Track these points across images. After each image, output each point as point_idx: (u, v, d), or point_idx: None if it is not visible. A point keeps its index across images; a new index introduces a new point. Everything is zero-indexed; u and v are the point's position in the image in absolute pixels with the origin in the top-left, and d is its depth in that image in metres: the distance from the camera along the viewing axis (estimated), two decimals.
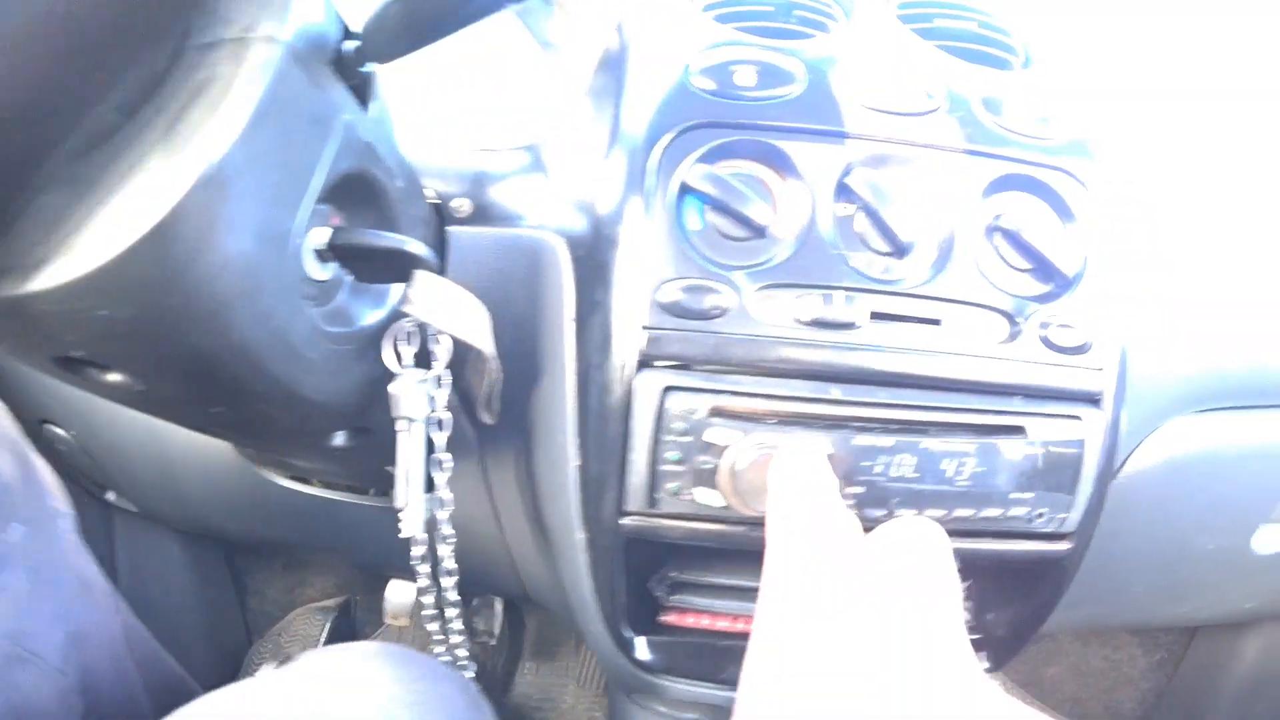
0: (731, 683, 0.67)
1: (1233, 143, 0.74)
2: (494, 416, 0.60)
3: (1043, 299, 0.55)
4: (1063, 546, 0.57)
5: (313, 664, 0.53)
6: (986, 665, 0.65)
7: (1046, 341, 0.54)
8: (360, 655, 0.53)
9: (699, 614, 0.62)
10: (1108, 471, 0.57)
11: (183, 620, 0.92)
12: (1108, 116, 0.64)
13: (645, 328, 0.52)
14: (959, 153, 0.55)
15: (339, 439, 0.59)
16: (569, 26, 0.68)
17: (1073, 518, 0.56)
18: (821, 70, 0.57)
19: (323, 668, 0.52)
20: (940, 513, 0.53)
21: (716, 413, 0.51)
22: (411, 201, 0.54)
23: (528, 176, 0.61)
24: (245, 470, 0.73)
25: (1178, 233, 0.67)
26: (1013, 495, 0.54)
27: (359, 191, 0.49)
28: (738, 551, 0.60)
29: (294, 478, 0.74)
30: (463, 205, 0.60)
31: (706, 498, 0.52)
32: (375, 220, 0.51)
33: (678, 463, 0.52)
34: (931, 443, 0.52)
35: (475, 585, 1.11)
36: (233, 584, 1.06)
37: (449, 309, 0.52)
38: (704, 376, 0.52)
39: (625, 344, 0.52)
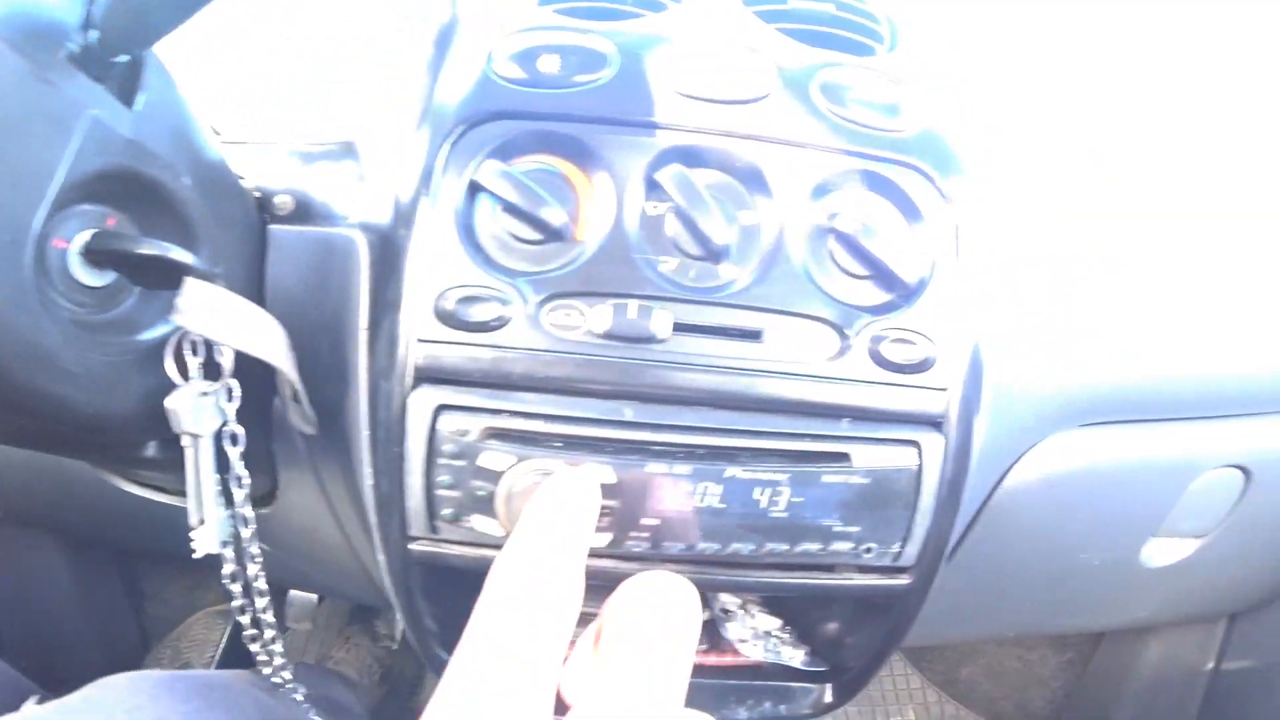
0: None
1: (1113, 141, 0.65)
2: (313, 426, 0.55)
3: (879, 310, 0.47)
4: (901, 581, 0.50)
5: (75, 700, 0.49)
6: (830, 700, 0.58)
7: (879, 357, 0.46)
8: (128, 688, 0.49)
9: None
10: (953, 500, 0.49)
11: (68, 627, 0.89)
12: (976, 107, 0.56)
13: (420, 340, 0.46)
14: (788, 146, 0.48)
15: (150, 449, 0.55)
16: None
17: (909, 551, 0.48)
18: (636, 54, 0.50)
19: (83, 703, 0.48)
20: (749, 547, 0.46)
21: (492, 434, 0.45)
22: (215, 200, 0.50)
23: (348, 171, 0.56)
24: (87, 472, 0.69)
25: (1051, 239, 0.59)
26: (836, 529, 0.46)
27: (140, 191, 0.45)
28: None
29: (139, 481, 0.70)
30: (285, 202, 0.55)
31: (485, 526, 0.46)
32: (168, 222, 0.47)
33: (451, 488, 0.46)
34: (740, 471, 0.45)
35: (336, 594, 1.07)
36: (124, 589, 1.03)
37: (223, 318, 0.48)
38: (483, 395, 0.46)
39: (402, 357, 0.47)
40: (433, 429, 0.46)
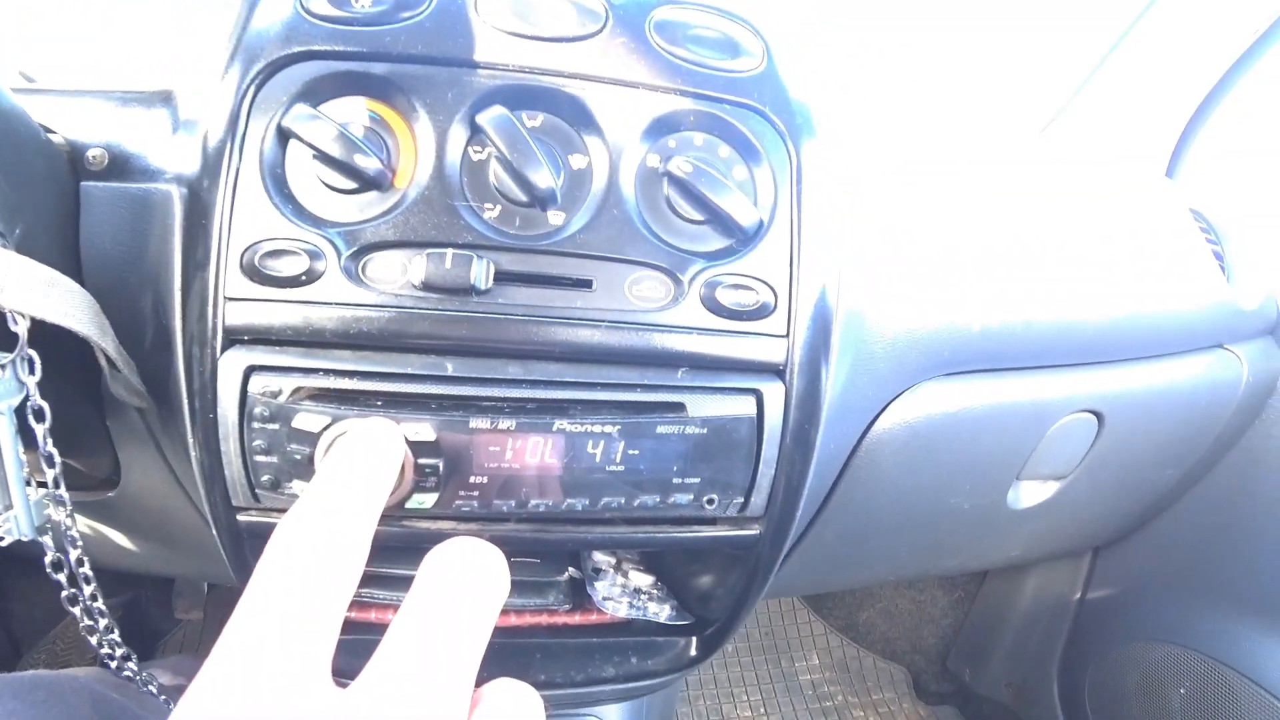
0: None
1: (969, 94, 0.63)
2: (141, 398, 0.49)
3: (716, 256, 0.43)
4: (751, 531, 0.47)
5: None
6: (695, 654, 0.55)
7: (714, 304, 0.42)
8: None
9: (377, 608, 0.52)
10: (802, 449, 0.46)
11: None
12: (831, 44, 0.53)
13: (229, 299, 0.41)
14: (620, 85, 0.44)
15: None
16: None
17: (756, 502, 0.45)
18: None
19: None
20: (584, 502, 0.42)
21: (308, 395, 0.40)
22: (7, 153, 0.43)
23: (164, 120, 0.49)
24: None
25: (909, 189, 0.56)
26: (674, 481, 0.43)
27: None
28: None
29: None
30: (98, 156, 0.48)
31: (303, 489, 0.41)
32: None
33: (267, 453, 0.41)
34: (570, 424, 0.41)
35: (202, 579, 0.99)
36: None
37: (15, 284, 0.41)
38: (296, 354, 0.41)
39: (211, 318, 0.41)
40: (244, 392, 0.40)
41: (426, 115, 0.42)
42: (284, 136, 0.42)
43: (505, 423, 0.41)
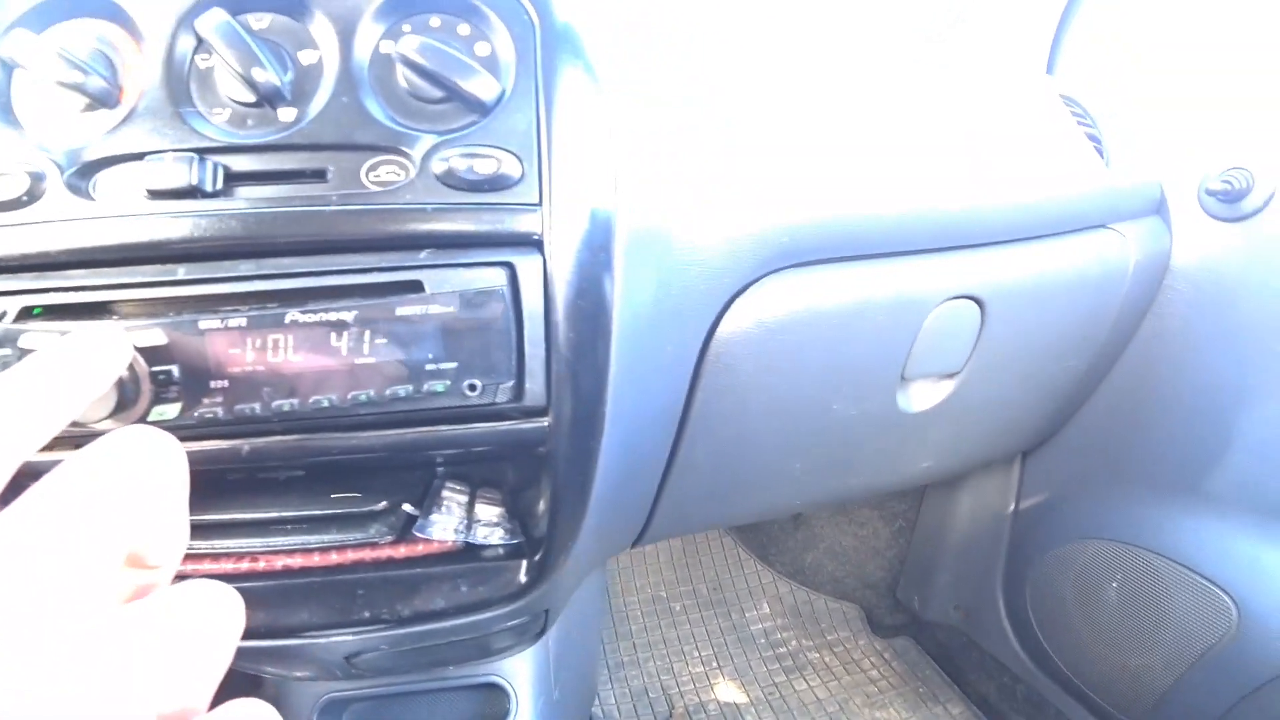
0: (251, 632, 0.54)
1: None
2: None
3: (454, 132, 0.40)
4: (539, 423, 0.42)
5: None
6: (525, 579, 0.50)
7: (452, 178, 0.38)
8: None
9: (194, 558, 0.48)
10: (584, 329, 0.41)
11: None
12: None
13: None
14: None
15: None
16: None
17: (532, 388, 0.41)
18: None
19: None
20: (332, 397, 0.38)
21: (32, 315, 0.37)
22: None
23: None
24: None
25: (753, 84, 0.52)
26: (428, 367, 0.39)
27: None
28: (236, 481, 0.47)
29: None
30: None
31: None
32: None
33: None
34: (302, 314, 0.37)
35: None
36: None
37: None
38: (27, 279, 0.37)
39: None
40: None
41: (150, 28, 0.39)
42: (8, 67, 0.39)
43: (237, 320, 0.37)
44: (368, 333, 0.38)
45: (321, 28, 0.40)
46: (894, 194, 0.61)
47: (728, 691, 0.99)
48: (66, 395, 0.27)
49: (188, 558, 0.48)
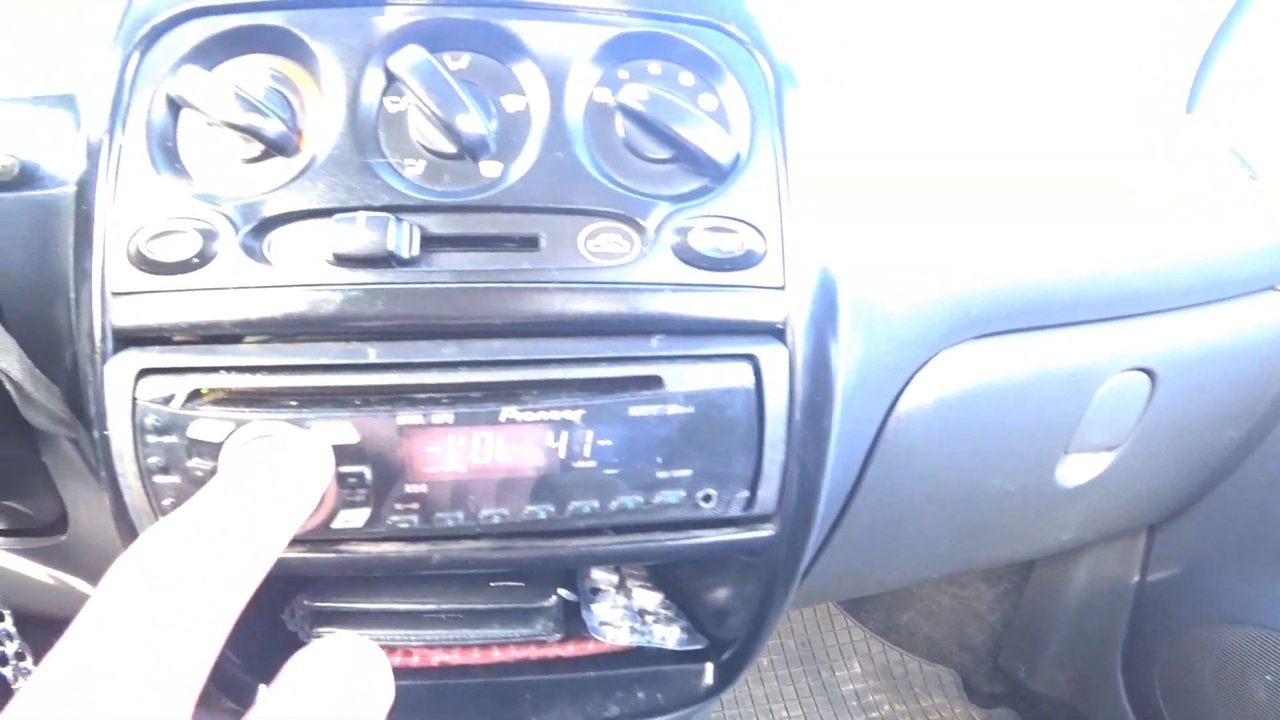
0: None
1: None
2: (66, 425, 0.41)
3: (687, 198, 0.34)
4: (763, 533, 0.36)
5: None
6: (711, 683, 0.44)
7: (689, 253, 0.33)
8: None
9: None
10: (816, 427, 0.36)
11: None
12: None
13: (115, 294, 0.32)
14: (554, 11, 0.35)
15: None
16: None
17: (765, 495, 0.35)
18: None
19: None
20: (548, 509, 0.32)
21: (203, 397, 0.31)
22: None
23: (70, 123, 0.42)
24: None
25: (917, 132, 0.46)
26: (660, 475, 0.33)
27: None
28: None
29: None
30: (9, 167, 0.40)
31: None
32: None
33: (165, 471, 0.32)
34: (520, 412, 0.31)
35: None
36: None
37: None
38: (193, 352, 0.32)
39: (97, 317, 0.33)
40: (135, 400, 0.32)
41: (334, 66, 0.34)
42: (174, 105, 0.34)
43: (441, 415, 0.31)
44: (590, 433, 0.32)
45: (528, 71, 0.35)
46: (1077, 256, 0.55)
47: None
48: (285, 525, 0.22)
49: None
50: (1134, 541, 0.86)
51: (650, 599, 0.47)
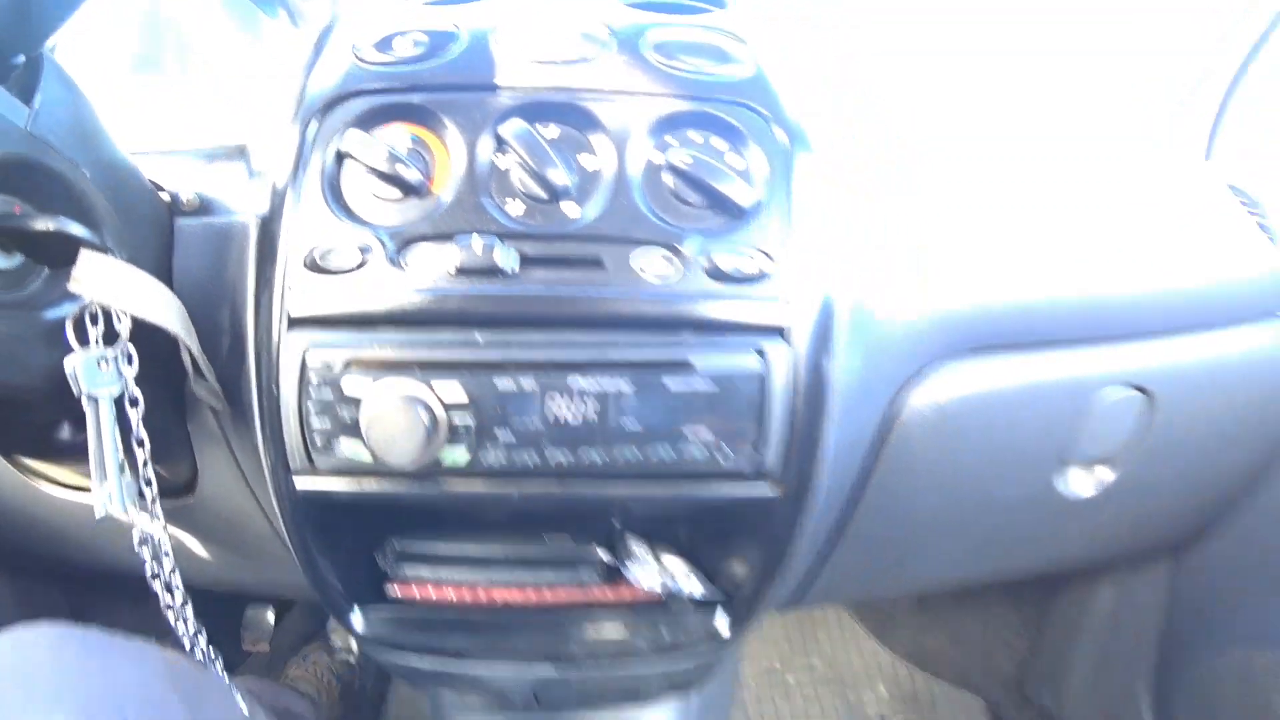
0: (457, 654, 0.58)
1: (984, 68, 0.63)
2: (219, 399, 0.53)
3: (716, 232, 0.45)
4: (765, 487, 0.46)
5: None
6: (724, 628, 0.53)
7: (715, 271, 0.44)
8: (31, 641, 0.46)
9: (425, 585, 0.53)
10: (813, 409, 0.46)
11: None
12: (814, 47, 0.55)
13: (291, 289, 0.45)
14: (621, 94, 0.47)
15: (65, 431, 0.53)
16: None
17: (770, 457, 0.45)
18: (484, 30, 0.50)
19: None
20: (600, 454, 0.43)
21: (352, 365, 0.43)
22: (118, 193, 0.49)
23: (241, 169, 0.56)
24: (16, 484, 0.64)
25: (927, 164, 0.56)
26: (685, 429, 0.43)
27: (42, 182, 0.45)
28: (463, 520, 0.52)
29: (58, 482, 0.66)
30: (192, 200, 0.55)
31: (350, 449, 0.44)
32: (70, 208, 0.47)
33: (320, 413, 0.44)
34: (585, 380, 0.43)
35: (270, 592, 0.99)
36: (72, 619, 0.92)
37: (116, 284, 0.47)
38: (348, 334, 0.44)
39: (278, 307, 0.45)
40: (303, 365, 0.44)
41: (458, 132, 0.47)
42: (341, 158, 0.47)
43: (528, 382, 0.42)
44: (637, 400, 0.43)
45: (600, 140, 0.47)
46: (1073, 281, 0.63)
47: None
48: None
49: (430, 583, 0.53)
50: (1159, 566, 0.89)
51: (676, 564, 0.57)
